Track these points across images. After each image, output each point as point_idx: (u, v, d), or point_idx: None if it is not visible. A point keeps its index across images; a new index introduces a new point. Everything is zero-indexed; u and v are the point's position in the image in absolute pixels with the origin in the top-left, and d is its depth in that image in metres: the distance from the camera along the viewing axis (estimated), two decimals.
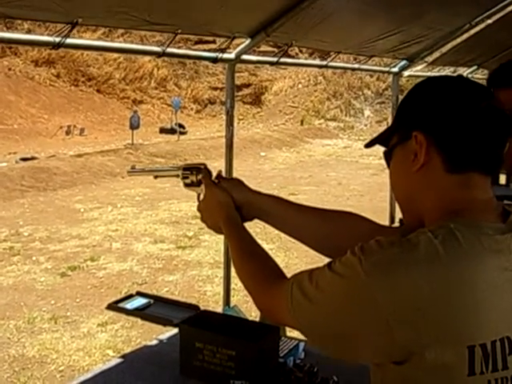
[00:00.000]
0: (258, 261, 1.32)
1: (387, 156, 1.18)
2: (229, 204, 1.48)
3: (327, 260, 1.16)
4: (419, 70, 5.68)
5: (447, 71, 6.74)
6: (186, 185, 1.62)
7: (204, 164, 1.61)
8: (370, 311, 0.97)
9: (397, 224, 4.80)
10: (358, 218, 1.46)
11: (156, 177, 1.73)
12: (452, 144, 1.06)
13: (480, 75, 8.08)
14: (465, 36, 4.86)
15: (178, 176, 1.64)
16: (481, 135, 1.05)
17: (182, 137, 21.17)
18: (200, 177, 1.58)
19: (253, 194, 1.51)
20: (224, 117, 3.52)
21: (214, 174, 1.59)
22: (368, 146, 1.25)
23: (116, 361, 2.60)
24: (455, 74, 1.18)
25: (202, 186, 1.57)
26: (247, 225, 1.50)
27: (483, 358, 0.96)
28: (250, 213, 1.49)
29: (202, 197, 1.56)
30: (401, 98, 1.22)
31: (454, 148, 1.06)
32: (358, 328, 1.00)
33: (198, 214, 1.56)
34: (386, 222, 5.11)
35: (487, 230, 1.02)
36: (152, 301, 2.79)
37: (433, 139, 1.07)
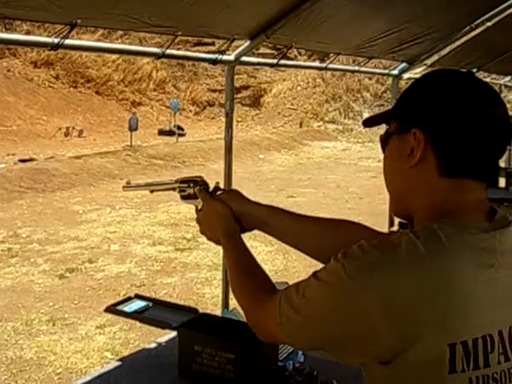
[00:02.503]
0: (251, 276, 1.32)
1: (383, 141, 1.17)
2: (228, 215, 1.48)
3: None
4: (419, 73, 5.67)
5: None
6: (184, 198, 1.62)
7: (201, 176, 1.61)
8: (355, 313, 0.98)
9: (396, 227, 4.78)
10: (357, 226, 1.46)
11: (152, 191, 1.72)
12: (450, 149, 1.05)
13: (480, 78, 8.07)
14: (464, 38, 4.86)
15: (174, 189, 1.64)
16: (481, 144, 1.04)
17: (181, 139, 21.16)
18: (197, 189, 1.58)
19: (252, 205, 1.50)
20: (223, 119, 3.51)
21: (212, 185, 1.59)
22: (366, 124, 1.24)
23: (114, 364, 2.60)
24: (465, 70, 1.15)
25: (200, 199, 1.56)
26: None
27: (464, 355, 0.96)
28: (250, 223, 1.49)
29: (200, 209, 1.56)
30: (419, 77, 1.19)
31: (452, 153, 1.05)
32: (344, 331, 1.01)
33: (198, 227, 1.56)
34: (386, 225, 5.10)
35: (471, 229, 1.02)
36: (150, 303, 2.78)
37: (431, 139, 1.05)
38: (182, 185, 1.62)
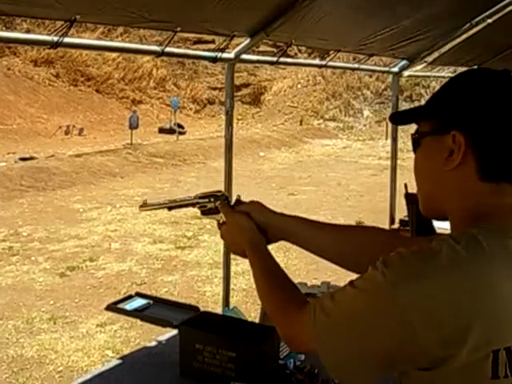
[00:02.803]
0: (280, 287, 1.30)
1: (415, 140, 1.14)
2: (251, 228, 1.46)
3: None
4: (419, 70, 5.66)
5: (447, 71, 6.73)
6: (204, 213, 1.59)
7: (221, 191, 1.59)
8: (396, 320, 0.96)
9: (397, 225, 4.78)
10: (380, 231, 1.46)
11: (170, 209, 1.67)
12: (492, 153, 1.03)
13: None
14: (465, 36, 4.85)
15: (194, 205, 1.60)
16: None
17: (181, 137, 21.18)
18: (219, 204, 1.55)
19: (276, 216, 1.49)
20: (223, 117, 3.50)
21: (233, 199, 1.58)
22: (394, 121, 1.21)
23: (115, 362, 2.59)
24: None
25: (222, 213, 1.54)
26: None
27: (508, 361, 0.95)
28: (275, 235, 1.47)
29: (222, 223, 1.53)
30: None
31: (493, 158, 1.03)
32: (384, 340, 0.99)
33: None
34: (386, 222, 5.10)
35: (511, 233, 1.00)
36: (151, 302, 2.78)
37: (472, 143, 1.03)
38: (202, 200, 1.58)
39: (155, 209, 1.78)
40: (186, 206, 1.64)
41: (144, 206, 1.72)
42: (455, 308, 0.94)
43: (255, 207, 1.51)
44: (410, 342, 0.96)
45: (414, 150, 1.15)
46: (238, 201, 1.56)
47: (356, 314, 1.01)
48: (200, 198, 1.59)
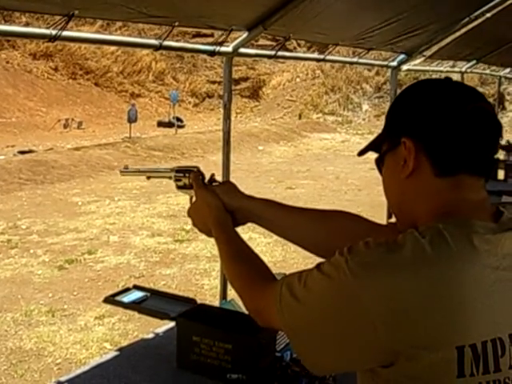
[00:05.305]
0: (247, 263, 1.30)
1: (379, 163, 1.18)
2: (218, 207, 1.46)
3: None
4: (418, 64, 5.67)
5: (446, 65, 6.73)
6: (179, 187, 1.61)
7: (197, 167, 1.60)
8: (355, 311, 0.96)
9: (394, 219, 4.79)
10: (354, 217, 1.44)
11: (149, 177, 1.73)
12: (440, 149, 1.05)
13: (479, 70, 8.07)
14: (464, 30, 4.85)
15: (170, 178, 1.63)
16: (468, 138, 1.04)
17: (180, 130, 21.16)
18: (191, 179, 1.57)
19: (245, 199, 1.49)
20: (222, 110, 3.51)
21: (208, 176, 1.59)
22: (361, 154, 1.25)
23: (113, 354, 2.61)
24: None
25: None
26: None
27: (473, 359, 0.94)
28: (244, 217, 1.47)
29: (194, 200, 1.54)
30: (399, 92, 1.20)
31: (442, 152, 1.05)
32: (343, 328, 0.99)
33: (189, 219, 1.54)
34: (384, 216, 5.11)
35: (478, 228, 1.00)
36: (149, 294, 2.80)
37: (421, 145, 1.06)
38: (177, 174, 1.61)
39: (135, 175, 1.90)
40: (164, 177, 1.67)
41: (125, 170, 1.79)
42: (415, 305, 0.93)
43: (226, 188, 1.51)
44: (367, 333, 0.95)
45: (381, 172, 1.18)
46: (212, 179, 1.56)
47: (321, 299, 1.02)
48: (176, 171, 1.61)
